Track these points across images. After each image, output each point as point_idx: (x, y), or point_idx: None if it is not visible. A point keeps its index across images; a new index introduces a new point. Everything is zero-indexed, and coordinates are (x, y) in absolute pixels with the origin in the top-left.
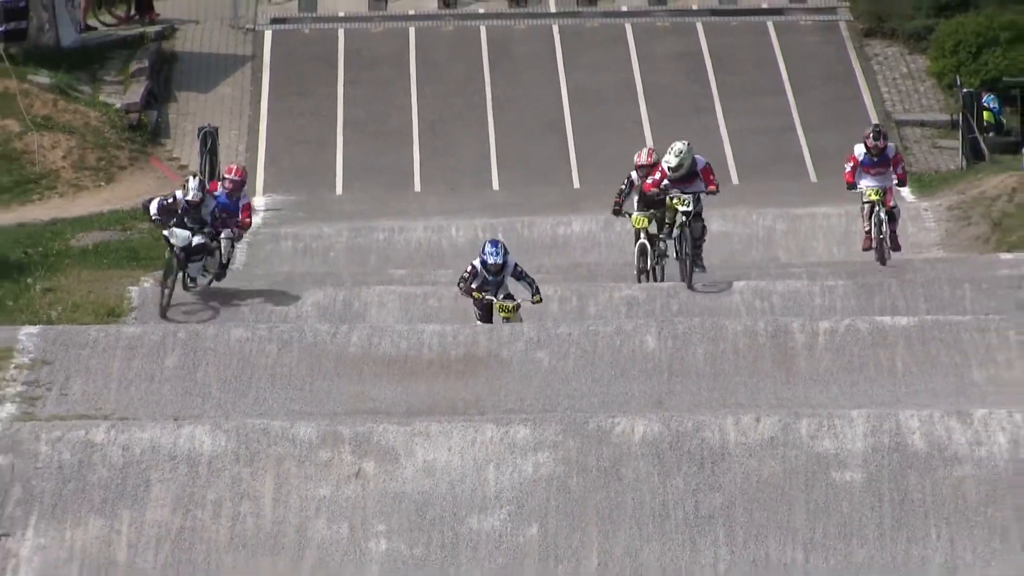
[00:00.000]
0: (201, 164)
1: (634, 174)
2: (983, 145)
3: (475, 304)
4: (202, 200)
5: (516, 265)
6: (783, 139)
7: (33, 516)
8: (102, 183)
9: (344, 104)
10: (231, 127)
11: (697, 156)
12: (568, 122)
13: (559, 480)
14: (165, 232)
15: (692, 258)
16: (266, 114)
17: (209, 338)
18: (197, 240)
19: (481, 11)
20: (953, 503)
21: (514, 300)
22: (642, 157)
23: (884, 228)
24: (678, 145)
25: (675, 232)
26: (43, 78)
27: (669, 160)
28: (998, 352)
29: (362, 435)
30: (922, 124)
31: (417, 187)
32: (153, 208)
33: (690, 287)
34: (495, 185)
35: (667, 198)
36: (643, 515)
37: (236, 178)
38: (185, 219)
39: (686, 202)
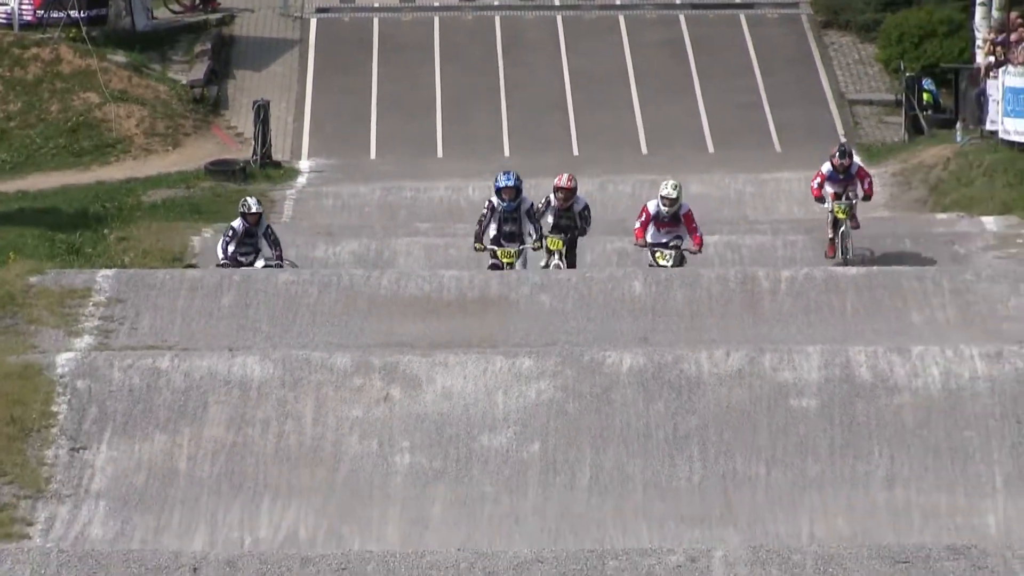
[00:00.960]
0: (255, 132)
1: (552, 196)
2: (922, 121)
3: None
4: (261, 215)
5: (533, 204)
6: (752, 114)
7: (107, 432)
8: (170, 148)
9: (378, 82)
10: (281, 100)
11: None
12: (569, 99)
13: (558, 404)
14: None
15: None
16: (311, 90)
17: (260, 281)
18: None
19: (496, 3)
20: (893, 426)
21: (516, 246)
22: (562, 181)
23: (849, 246)
24: (672, 181)
25: None
26: (120, 57)
27: (667, 192)
28: (933, 297)
29: (390, 365)
30: (871, 103)
31: (440, 153)
32: (220, 254)
33: None
34: (506, 152)
35: (651, 252)
36: (629, 435)
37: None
38: (239, 251)
39: (668, 257)
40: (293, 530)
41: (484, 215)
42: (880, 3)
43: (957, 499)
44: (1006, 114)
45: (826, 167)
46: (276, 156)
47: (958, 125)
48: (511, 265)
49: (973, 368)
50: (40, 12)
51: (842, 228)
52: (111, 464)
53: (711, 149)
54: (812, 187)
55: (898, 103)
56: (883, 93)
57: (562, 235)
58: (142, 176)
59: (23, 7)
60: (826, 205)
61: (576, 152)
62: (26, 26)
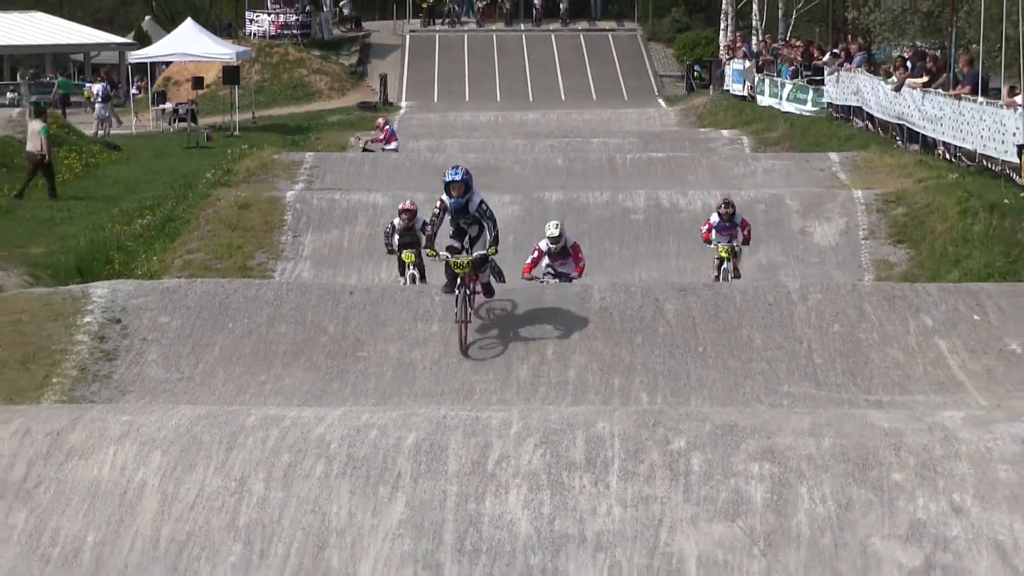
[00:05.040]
0: (380, 88)
1: (396, 220)
2: (694, 85)
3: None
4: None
5: (482, 202)
6: (614, 82)
7: (310, 228)
8: (340, 96)
9: (438, 66)
10: (393, 74)
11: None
12: (528, 74)
13: (520, 218)
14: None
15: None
16: (407, 69)
17: (382, 158)
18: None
19: (493, 28)
20: (679, 228)
21: (468, 255)
22: (406, 204)
23: (729, 278)
24: (554, 222)
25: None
26: (316, 52)
27: (551, 232)
28: (698, 167)
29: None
30: (669, 76)
31: (467, 99)
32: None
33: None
34: (498, 99)
35: (539, 281)
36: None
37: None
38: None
39: (553, 287)
40: (396, 278)
41: (436, 212)
42: (675, 29)
43: (705, 262)
44: (733, 82)
45: (713, 217)
46: (391, 100)
47: (711, 88)
48: (464, 274)
49: (718, 202)
50: (279, 30)
51: (724, 265)
52: (312, 243)
53: (595, 98)
54: (701, 231)
55: (682, 76)
56: (675, 72)
57: (415, 249)
58: (327, 109)
59: (270, 27)
60: (712, 246)
61: (531, 99)
62: (272, 37)
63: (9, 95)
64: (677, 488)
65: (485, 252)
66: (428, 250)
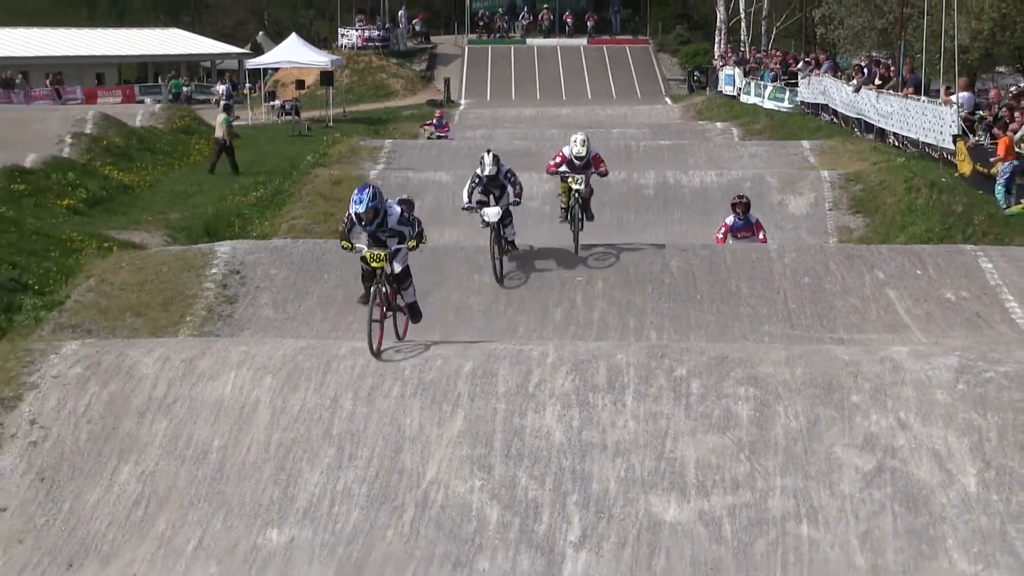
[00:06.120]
0: (445, 88)
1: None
2: (694, 87)
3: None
4: (497, 173)
5: (403, 212)
6: (630, 84)
7: (389, 197)
8: (412, 94)
9: (491, 70)
10: (455, 78)
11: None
12: (561, 79)
13: (555, 191)
14: (481, 213)
15: (584, 213)
16: (466, 74)
17: (445, 143)
18: (500, 211)
19: (532, 42)
20: (682, 201)
21: (386, 248)
22: (404, 196)
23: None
24: (580, 136)
25: (571, 204)
26: (394, 60)
27: (577, 150)
28: (697, 152)
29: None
30: (675, 80)
31: (513, 98)
32: (465, 198)
33: (577, 254)
34: (538, 97)
35: (562, 178)
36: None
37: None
38: (487, 194)
39: (579, 181)
40: (457, 239)
41: (345, 222)
42: (679, 42)
43: (707, 228)
44: (725, 84)
45: (730, 219)
46: (453, 99)
47: (707, 89)
48: (380, 269)
49: (713, 180)
50: (364, 43)
51: None
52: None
53: (615, 97)
54: (717, 237)
55: (685, 80)
56: (679, 76)
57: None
58: (402, 105)
59: (358, 40)
60: None
61: (564, 98)
62: (359, 48)
63: (187, 89)
64: (679, 407)
65: (402, 246)
66: (344, 243)
